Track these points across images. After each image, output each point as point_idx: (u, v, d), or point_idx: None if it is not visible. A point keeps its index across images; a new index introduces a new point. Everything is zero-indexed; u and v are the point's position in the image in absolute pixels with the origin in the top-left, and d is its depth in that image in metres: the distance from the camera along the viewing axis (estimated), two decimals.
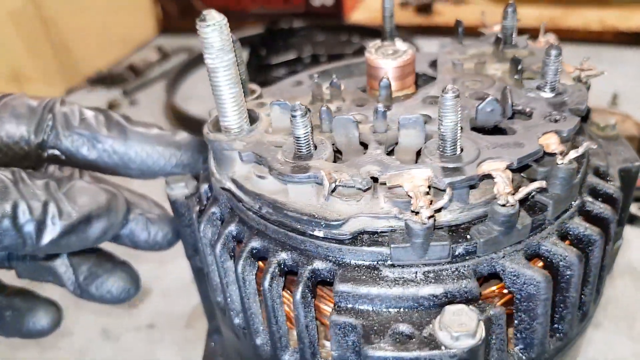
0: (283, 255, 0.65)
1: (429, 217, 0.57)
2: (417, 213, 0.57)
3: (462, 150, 0.62)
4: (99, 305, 1.32)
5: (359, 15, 3.08)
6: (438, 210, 0.59)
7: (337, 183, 0.60)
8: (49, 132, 0.75)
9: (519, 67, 0.77)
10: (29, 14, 2.38)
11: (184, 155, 0.81)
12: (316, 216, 0.62)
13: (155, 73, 2.68)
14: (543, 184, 0.61)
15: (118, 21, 2.90)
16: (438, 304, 0.60)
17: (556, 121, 0.67)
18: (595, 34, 2.07)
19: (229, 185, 0.70)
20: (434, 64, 0.87)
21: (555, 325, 0.68)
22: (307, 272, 0.63)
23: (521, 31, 0.87)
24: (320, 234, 0.62)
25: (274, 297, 0.66)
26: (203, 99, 2.27)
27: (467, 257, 0.61)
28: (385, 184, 0.61)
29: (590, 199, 0.69)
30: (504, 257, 0.62)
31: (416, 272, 0.61)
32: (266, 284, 0.64)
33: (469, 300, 0.60)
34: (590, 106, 0.78)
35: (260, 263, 0.71)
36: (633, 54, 2.06)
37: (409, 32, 2.58)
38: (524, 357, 0.67)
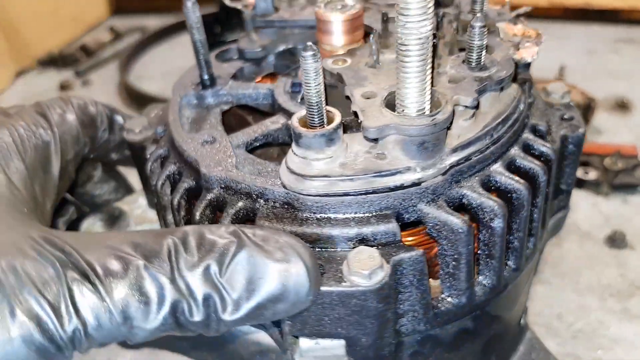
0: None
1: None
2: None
3: None
4: None
5: None
6: None
7: None
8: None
9: None
10: None
11: None
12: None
13: (107, 53, 2.61)
14: None
15: (69, 1, 2.81)
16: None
17: None
18: (543, 10, 2.14)
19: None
20: None
21: None
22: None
23: None
24: None
25: None
26: (156, 78, 2.18)
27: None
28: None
29: (521, 153, 0.70)
30: None
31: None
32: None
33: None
34: (539, 78, 0.80)
35: None
36: (578, 29, 2.13)
37: None
38: None
